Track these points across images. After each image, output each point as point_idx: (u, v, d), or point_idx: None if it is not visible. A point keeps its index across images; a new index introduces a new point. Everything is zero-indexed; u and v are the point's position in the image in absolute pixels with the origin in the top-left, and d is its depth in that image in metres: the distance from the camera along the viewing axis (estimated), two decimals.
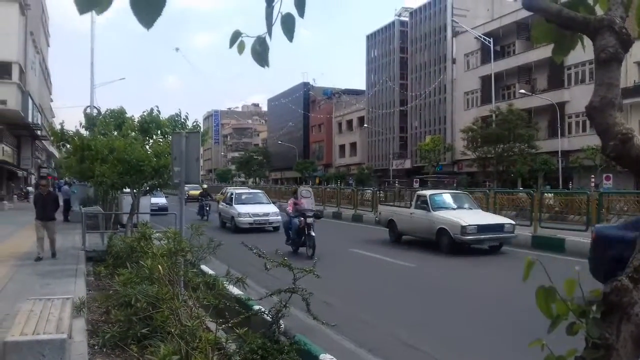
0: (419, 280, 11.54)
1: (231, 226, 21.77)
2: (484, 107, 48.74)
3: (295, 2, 2.13)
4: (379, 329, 7.54)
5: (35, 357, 4.53)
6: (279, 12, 2.10)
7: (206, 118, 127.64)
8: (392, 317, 8.20)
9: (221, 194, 30.79)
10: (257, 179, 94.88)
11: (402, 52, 68.51)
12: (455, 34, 57.38)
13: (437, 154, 53.04)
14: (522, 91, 42.94)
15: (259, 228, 20.88)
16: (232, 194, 24.04)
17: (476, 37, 50.03)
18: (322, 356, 5.05)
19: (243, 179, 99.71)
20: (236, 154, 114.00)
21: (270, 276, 6.84)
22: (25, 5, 36.87)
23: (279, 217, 20.57)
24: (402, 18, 70.32)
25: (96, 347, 5.93)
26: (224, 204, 23.86)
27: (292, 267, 4.97)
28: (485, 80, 50.42)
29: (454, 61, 57.72)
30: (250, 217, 21.11)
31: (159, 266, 4.93)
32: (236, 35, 2.21)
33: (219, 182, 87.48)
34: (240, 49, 2.22)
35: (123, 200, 18.51)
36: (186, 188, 32.27)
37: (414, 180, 52.19)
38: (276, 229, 20.59)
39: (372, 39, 75.94)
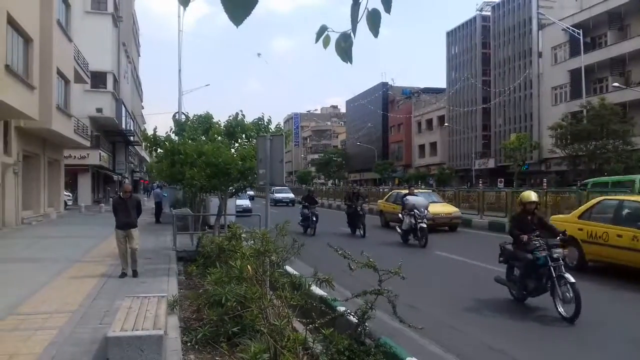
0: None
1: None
2: (573, 102, 46.27)
3: None
4: (465, 334, 7.33)
5: (135, 352, 4.78)
6: (365, 8, 2.10)
7: (286, 121, 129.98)
8: (479, 321, 7.95)
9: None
10: (336, 180, 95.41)
11: (484, 47, 66.55)
12: (541, 26, 54.96)
13: (523, 153, 50.92)
14: (616, 84, 40.29)
15: None
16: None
17: (564, 29, 47.62)
18: (408, 359, 4.99)
19: (322, 181, 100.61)
20: (315, 156, 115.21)
21: (352, 277, 6.85)
22: (118, 18, 39.16)
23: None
24: (483, 13, 68.34)
25: (189, 344, 6.17)
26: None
27: (377, 269, 4.95)
28: (574, 73, 47.82)
29: (540, 55, 55.28)
30: None
31: (248, 266, 5.06)
32: (322, 30, 2.24)
33: (300, 184, 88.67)
34: (326, 43, 2.24)
35: (210, 202, 19.25)
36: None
37: (499, 180, 50.50)
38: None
39: (452, 35, 74.31)
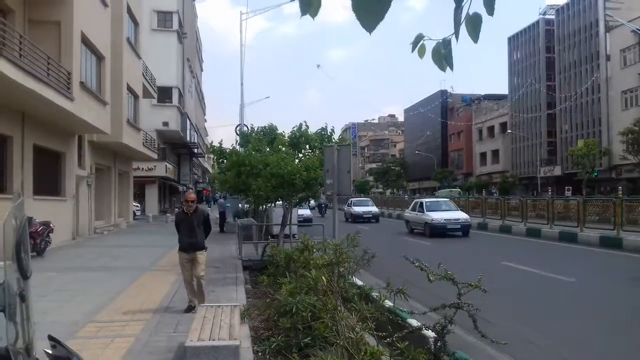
0: (581, 296, 10.59)
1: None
2: None
3: (485, 1, 2.05)
4: (542, 348, 7.03)
5: None
6: (467, 11, 2.02)
7: (344, 131, 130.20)
8: (555, 335, 7.62)
9: None
10: (394, 189, 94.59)
11: (548, 51, 64.45)
12: (608, 28, 52.70)
13: (591, 160, 48.81)
14: None
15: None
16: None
17: (633, 31, 45.41)
18: None
19: (381, 190, 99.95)
20: (373, 165, 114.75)
21: (418, 288, 6.69)
22: (182, 35, 40.48)
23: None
24: (547, 16, 66.29)
25: (260, 354, 6.18)
26: None
27: (456, 281, 4.79)
28: None
29: (608, 58, 52.95)
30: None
31: (322, 277, 5.02)
32: (418, 38, 2.18)
33: (358, 193, 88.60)
34: (421, 52, 2.18)
35: (273, 212, 19.45)
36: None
37: (566, 188, 48.59)
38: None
39: (514, 40, 72.42)
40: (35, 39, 14.71)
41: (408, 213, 26.23)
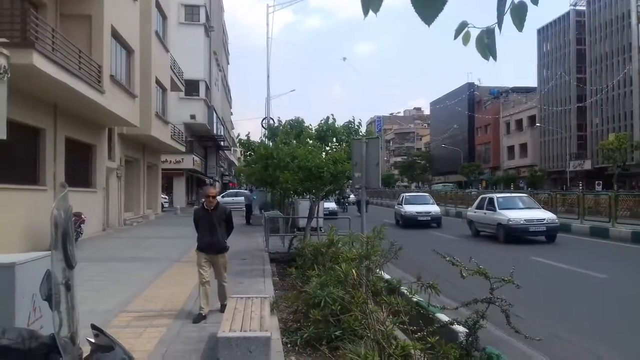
0: (613, 293, 10.38)
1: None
2: None
3: None
4: (574, 345, 6.92)
5: (243, 353, 4.87)
6: (510, 2, 2.00)
7: (369, 124, 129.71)
8: (587, 332, 7.49)
9: None
10: (420, 183, 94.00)
11: (578, 43, 63.21)
12: None
13: (623, 153, 47.75)
14: None
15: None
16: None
17: None
18: None
19: (406, 183, 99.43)
20: (399, 159, 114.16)
21: (448, 283, 6.63)
22: (209, 28, 40.73)
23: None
24: (578, 7, 64.96)
25: (289, 345, 6.22)
26: None
27: (488, 276, 4.73)
28: None
29: None
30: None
31: (353, 270, 5.02)
32: (463, 26, 2.17)
33: (383, 187, 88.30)
34: (465, 39, 2.17)
35: (299, 205, 19.51)
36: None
37: (596, 182, 47.65)
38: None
39: (543, 32, 71.16)
40: (67, 33, 14.97)
41: (472, 212, 21.70)
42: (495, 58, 2.12)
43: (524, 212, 18.68)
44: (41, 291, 2.13)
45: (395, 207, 28.40)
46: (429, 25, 1.62)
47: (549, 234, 18.10)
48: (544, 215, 18.73)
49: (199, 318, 7.07)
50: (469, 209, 23.38)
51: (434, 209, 26.06)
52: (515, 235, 17.89)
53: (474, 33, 2.18)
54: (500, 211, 18.81)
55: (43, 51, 11.76)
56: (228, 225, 7.78)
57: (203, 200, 7.83)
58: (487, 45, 2.12)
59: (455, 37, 2.20)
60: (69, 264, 1.93)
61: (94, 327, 2.05)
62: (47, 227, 13.58)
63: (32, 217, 13.60)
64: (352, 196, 36.50)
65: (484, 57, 2.16)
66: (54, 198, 12.70)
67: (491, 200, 20.11)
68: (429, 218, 25.16)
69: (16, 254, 3.96)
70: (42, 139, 15.00)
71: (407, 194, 28.73)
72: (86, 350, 2.01)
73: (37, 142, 14.91)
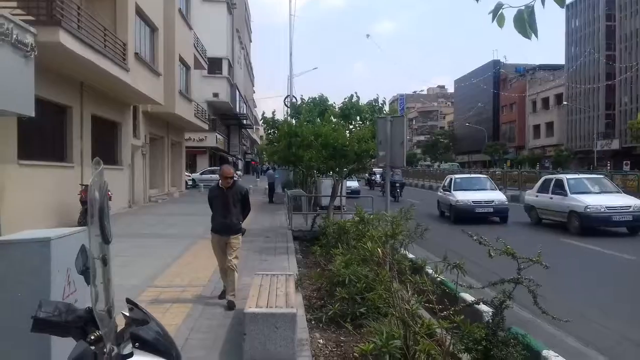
0: None
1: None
2: None
3: None
4: (605, 327, 6.86)
5: (270, 329, 4.93)
6: None
7: (392, 102, 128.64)
8: (616, 313, 7.41)
9: None
10: (443, 162, 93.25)
11: (608, 19, 61.44)
12: None
13: None
14: None
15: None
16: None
17: None
18: (544, 352, 4.73)
19: (428, 163, 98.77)
20: (422, 138, 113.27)
21: (472, 263, 6.61)
22: (232, 5, 40.55)
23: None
24: None
25: (312, 322, 6.28)
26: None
27: (516, 256, 4.69)
28: None
29: None
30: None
31: (379, 249, 5.02)
32: (498, 7, 2.14)
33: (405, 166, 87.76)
34: (501, 21, 2.14)
35: (321, 183, 19.54)
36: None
37: (624, 162, 46.71)
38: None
39: (572, 7, 69.23)
40: (92, 11, 15.04)
41: (534, 196, 18.00)
42: (537, 36, 2.08)
43: (602, 197, 15.50)
44: (77, 265, 2.17)
45: (440, 193, 21.13)
46: (562, 7, 1.59)
47: (634, 225, 14.81)
48: (630, 201, 15.20)
49: (232, 305, 6.67)
50: (528, 192, 19.57)
51: (497, 196, 18.65)
52: (594, 226, 14.74)
53: (509, 14, 2.16)
54: (574, 196, 15.53)
55: (69, 29, 11.85)
56: (244, 205, 7.16)
57: (219, 179, 7.19)
58: (528, 23, 2.09)
59: (493, 19, 2.17)
60: (105, 239, 1.95)
61: (128, 301, 2.08)
62: (73, 203, 13.89)
63: (59, 193, 13.86)
64: (377, 176, 33.53)
65: (524, 35, 2.12)
66: (81, 175, 12.91)
67: (559, 182, 16.64)
68: (490, 209, 17.95)
69: (50, 229, 4.04)
70: (69, 116, 15.20)
71: (456, 177, 21.20)
72: (120, 324, 2.05)
73: (64, 120, 15.12)
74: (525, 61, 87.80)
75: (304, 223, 14.96)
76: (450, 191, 16.88)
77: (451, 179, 20.22)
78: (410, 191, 34.90)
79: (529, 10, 2.04)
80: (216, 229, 7.04)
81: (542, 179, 18.90)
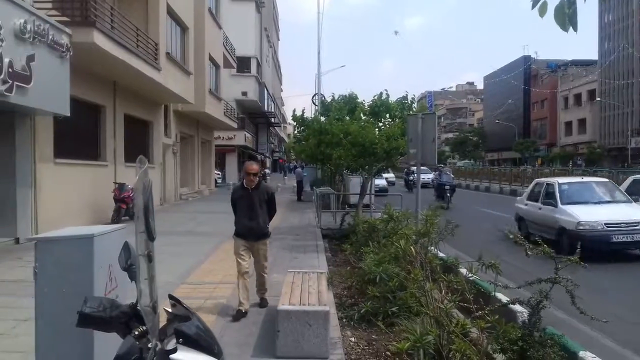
0: None
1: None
2: None
3: None
4: (638, 326, 6.71)
5: (303, 326, 4.95)
6: None
7: (420, 99, 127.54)
8: None
9: None
10: (472, 160, 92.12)
11: None
12: None
13: None
14: None
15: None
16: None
17: None
18: (581, 353, 4.64)
19: (457, 161, 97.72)
20: (450, 135, 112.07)
21: (505, 263, 6.50)
22: (260, 4, 40.74)
23: None
24: None
25: (344, 320, 6.29)
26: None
27: (553, 256, 4.62)
28: None
29: None
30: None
31: (412, 247, 4.99)
32: None
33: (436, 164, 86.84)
34: (542, 11, 2.10)
35: (350, 181, 19.51)
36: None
37: None
38: None
39: (605, 1, 67.54)
40: (124, 11, 15.30)
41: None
42: (575, 29, 2.04)
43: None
44: (120, 262, 2.21)
45: (525, 206, 14.01)
46: None
47: None
48: None
49: (239, 315, 6.15)
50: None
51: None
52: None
53: (551, 5, 2.12)
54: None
55: (103, 29, 12.08)
56: (270, 207, 6.72)
57: (243, 178, 6.75)
58: (568, 16, 2.05)
59: (533, 7, 2.14)
60: (150, 236, 1.99)
61: (171, 297, 2.11)
62: (107, 201, 14.14)
63: (93, 191, 14.15)
64: (429, 175, 28.47)
65: (563, 28, 2.09)
66: (114, 173, 13.18)
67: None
68: (637, 238, 10.85)
69: (92, 226, 4.14)
70: (103, 115, 15.50)
71: (561, 182, 13.06)
72: (162, 320, 2.08)
73: (97, 119, 15.42)
74: (557, 57, 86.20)
75: (333, 221, 14.96)
76: (555, 205, 11.82)
77: (552, 184, 12.91)
78: (464, 196, 28.54)
79: (571, 3, 2.01)
80: (241, 232, 6.59)
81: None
